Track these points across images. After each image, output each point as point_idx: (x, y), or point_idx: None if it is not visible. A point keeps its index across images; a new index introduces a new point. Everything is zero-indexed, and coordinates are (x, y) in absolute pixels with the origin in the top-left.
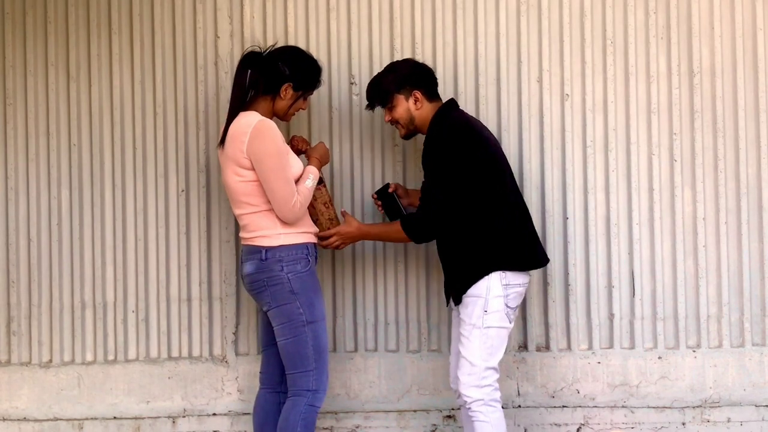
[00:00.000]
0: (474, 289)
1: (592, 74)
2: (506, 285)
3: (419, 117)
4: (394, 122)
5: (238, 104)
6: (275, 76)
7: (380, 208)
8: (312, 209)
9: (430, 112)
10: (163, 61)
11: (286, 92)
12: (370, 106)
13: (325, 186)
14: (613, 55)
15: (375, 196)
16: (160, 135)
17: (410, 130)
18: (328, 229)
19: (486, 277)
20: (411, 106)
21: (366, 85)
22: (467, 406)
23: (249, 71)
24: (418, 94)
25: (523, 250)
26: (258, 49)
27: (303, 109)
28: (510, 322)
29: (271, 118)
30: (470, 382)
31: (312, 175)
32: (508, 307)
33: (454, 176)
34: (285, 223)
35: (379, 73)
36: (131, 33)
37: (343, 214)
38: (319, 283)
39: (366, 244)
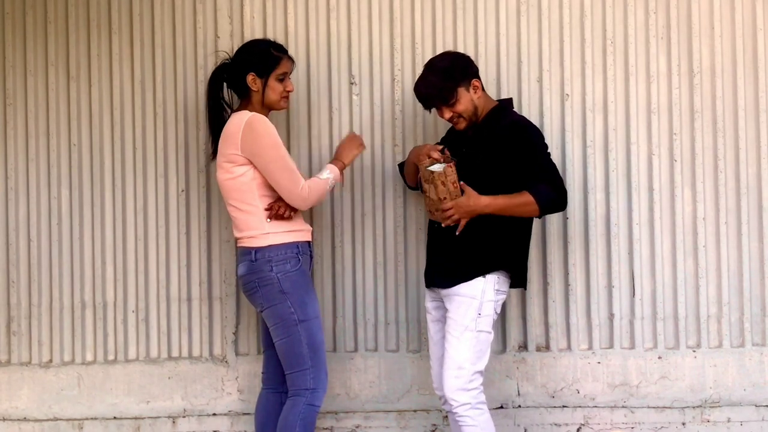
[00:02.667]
0: (469, 289)
1: (592, 74)
2: (497, 291)
3: (481, 106)
4: (455, 120)
5: (217, 120)
6: (238, 74)
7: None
8: (442, 188)
9: (485, 99)
10: (163, 61)
11: (254, 82)
12: (428, 107)
13: (455, 165)
14: (613, 55)
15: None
16: (160, 135)
17: (471, 122)
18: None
19: (483, 278)
20: (473, 97)
21: (366, 84)
22: (453, 411)
23: (219, 84)
24: (477, 83)
25: (525, 262)
26: (226, 60)
27: (289, 90)
28: (492, 329)
29: (267, 114)
30: (457, 385)
31: (328, 169)
32: (495, 312)
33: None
34: (295, 213)
35: (427, 72)
36: (131, 33)
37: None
38: (311, 281)
39: (366, 244)
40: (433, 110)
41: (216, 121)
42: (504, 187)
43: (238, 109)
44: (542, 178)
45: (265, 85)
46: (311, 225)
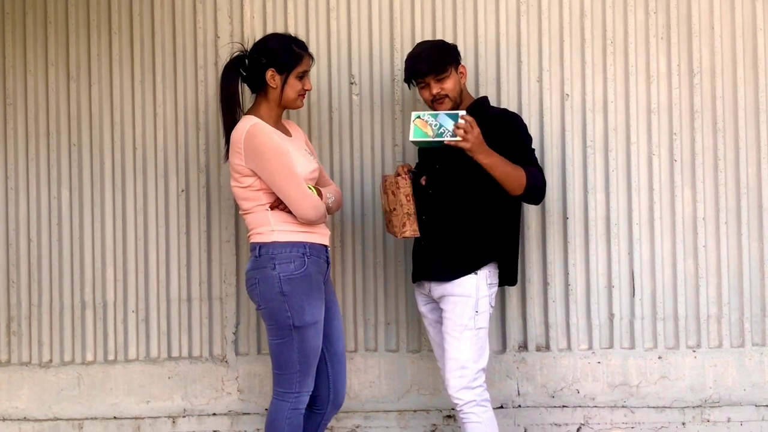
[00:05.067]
0: (463, 288)
1: (592, 74)
2: (489, 284)
3: (464, 94)
4: (441, 97)
5: (231, 114)
6: (257, 69)
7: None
8: (392, 197)
9: (467, 92)
10: (163, 61)
11: (273, 79)
12: (418, 76)
13: (411, 178)
14: (613, 55)
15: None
16: (160, 135)
17: (454, 106)
18: (404, 225)
19: (474, 275)
20: (461, 81)
21: (366, 84)
22: (459, 409)
23: (234, 76)
24: (464, 70)
25: (515, 256)
26: (238, 52)
27: (308, 89)
28: (488, 323)
29: (279, 114)
30: (461, 384)
31: (333, 195)
32: (491, 306)
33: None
34: (303, 221)
35: (421, 46)
36: (131, 33)
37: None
38: (318, 286)
39: (366, 244)
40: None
41: (230, 120)
42: (488, 179)
43: (251, 108)
44: (533, 164)
45: (284, 82)
46: None
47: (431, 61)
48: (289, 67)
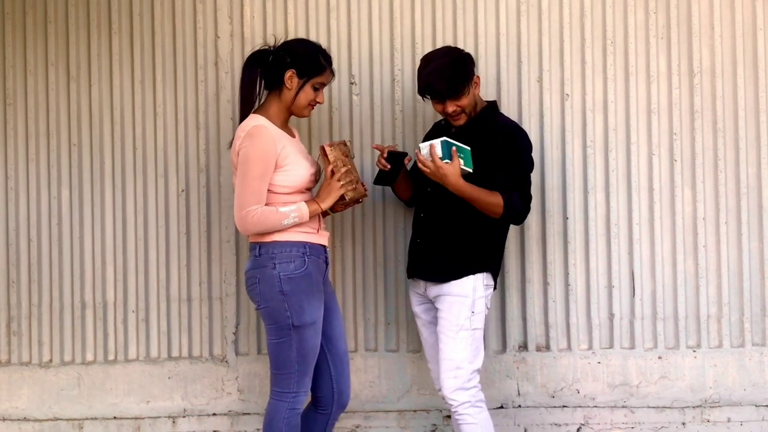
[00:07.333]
0: (461, 288)
1: (592, 74)
2: (486, 286)
3: (477, 102)
4: (457, 114)
5: (248, 105)
6: (278, 66)
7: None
8: (325, 159)
9: (478, 97)
10: (163, 61)
11: (291, 80)
12: (441, 96)
13: (345, 145)
14: (613, 55)
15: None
16: (160, 135)
17: (470, 117)
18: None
19: (473, 276)
20: (475, 92)
21: (366, 84)
22: (453, 410)
23: (255, 69)
24: (478, 79)
25: (500, 261)
26: (265, 47)
27: (320, 102)
28: (483, 324)
29: (287, 117)
30: (456, 384)
31: (296, 208)
32: (486, 308)
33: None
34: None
35: (438, 65)
36: (131, 33)
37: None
38: (318, 286)
39: (366, 244)
40: (428, 103)
41: (247, 111)
42: (479, 181)
43: (261, 106)
44: (518, 187)
45: (300, 87)
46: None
47: (449, 85)
48: (310, 73)
